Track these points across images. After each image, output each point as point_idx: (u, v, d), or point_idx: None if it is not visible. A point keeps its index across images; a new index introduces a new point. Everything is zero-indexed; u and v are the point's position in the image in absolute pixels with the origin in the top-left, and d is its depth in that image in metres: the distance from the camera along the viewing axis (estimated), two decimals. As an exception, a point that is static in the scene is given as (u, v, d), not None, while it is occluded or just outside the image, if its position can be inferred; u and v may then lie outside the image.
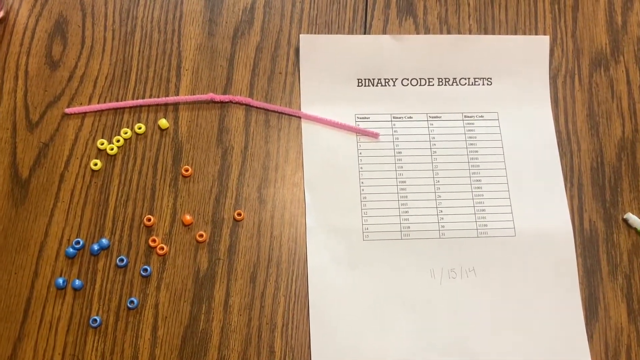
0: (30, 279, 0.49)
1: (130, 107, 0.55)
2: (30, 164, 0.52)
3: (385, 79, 0.57)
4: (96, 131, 0.54)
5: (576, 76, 0.58)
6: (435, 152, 0.55)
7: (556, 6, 0.60)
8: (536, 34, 0.59)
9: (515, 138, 0.55)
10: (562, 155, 0.55)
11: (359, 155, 0.54)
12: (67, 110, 0.54)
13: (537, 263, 0.52)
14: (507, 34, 0.59)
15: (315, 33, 0.58)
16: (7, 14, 0.56)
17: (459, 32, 0.59)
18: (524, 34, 0.59)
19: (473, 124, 0.56)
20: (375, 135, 0.55)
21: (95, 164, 0.52)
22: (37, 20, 0.57)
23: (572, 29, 0.60)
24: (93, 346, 0.48)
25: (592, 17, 0.60)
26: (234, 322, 0.49)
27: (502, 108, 0.56)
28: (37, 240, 0.50)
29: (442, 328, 0.50)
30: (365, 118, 0.56)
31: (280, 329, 0.49)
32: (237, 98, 0.55)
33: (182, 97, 0.55)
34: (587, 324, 0.50)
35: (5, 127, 0.53)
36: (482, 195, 0.54)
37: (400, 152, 0.55)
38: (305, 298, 0.50)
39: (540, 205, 0.53)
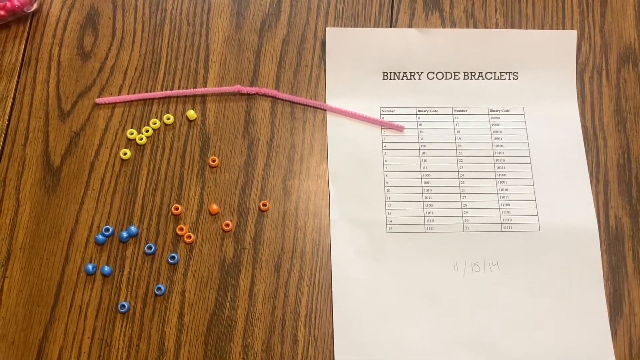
0: (61, 265, 0.50)
1: (159, 98, 0.55)
2: (62, 152, 0.54)
3: (410, 73, 0.57)
4: (126, 121, 0.55)
5: (604, 71, 0.57)
6: (460, 145, 0.55)
7: (584, 1, 0.60)
8: (563, 28, 0.59)
9: (540, 133, 0.55)
10: (588, 150, 0.55)
11: (384, 148, 0.55)
12: (98, 101, 0.55)
13: (561, 258, 0.52)
14: (534, 29, 0.58)
15: (341, 26, 0.58)
16: (40, 6, 0.58)
17: (485, 27, 0.59)
18: (551, 28, 0.59)
19: (498, 118, 0.56)
20: (400, 129, 0.55)
21: (125, 154, 0.53)
22: (69, 12, 0.58)
23: (600, 23, 0.59)
24: (121, 331, 0.49)
25: (620, 12, 0.59)
26: (258, 310, 0.50)
27: (528, 103, 0.56)
28: (68, 227, 0.51)
29: (464, 321, 0.50)
30: (390, 111, 0.56)
31: (303, 318, 0.50)
32: (264, 90, 0.56)
33: (209, 89, 0.56)
34: (611, 321, 0.50)
35: (38, 117, 0.55)
36: (507, 189, 0.54)
37: (424, 146, 0.55)
38: (329, 288, 0.50)
39: (565, 201, 0.53)
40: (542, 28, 0.59)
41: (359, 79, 0.56)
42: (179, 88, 0.56)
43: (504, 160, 0.54)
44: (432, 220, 0.53)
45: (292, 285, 0.51)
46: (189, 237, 0.51)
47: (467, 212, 0.53)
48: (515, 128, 0.55)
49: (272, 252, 0.51)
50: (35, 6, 0.57)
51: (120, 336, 0.49)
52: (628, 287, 0.51)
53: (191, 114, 0.55)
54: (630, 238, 0.53)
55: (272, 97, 0.56)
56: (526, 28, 0.58)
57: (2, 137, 0.54)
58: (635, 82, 0.57)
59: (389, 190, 0.53)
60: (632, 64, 0.58)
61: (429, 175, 0.54)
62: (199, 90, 0.56)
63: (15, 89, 0.55)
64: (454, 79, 0.57)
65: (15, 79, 0.56)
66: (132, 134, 0.54)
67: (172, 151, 0.54)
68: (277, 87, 0.56)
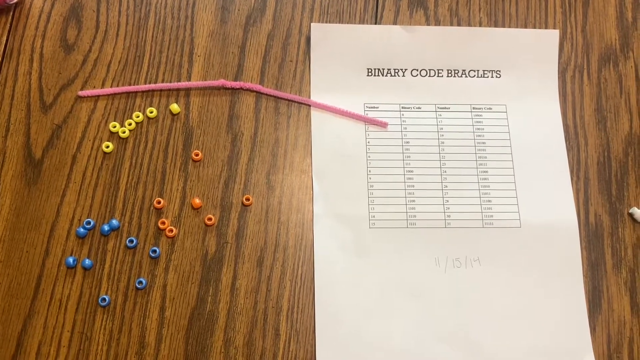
0: (41, 258, 0.50)
1: (143, 92, 0.55)
2: (44, 145, 0.53)
3: (394, 69, 0.57)
4: (109, 114, 0.54)
5: (585, 71, 0.58)
6: (443, 142, 0.55)
7: (567, 1, 0.61)
8: (546, 28, 0.59)
9: (522, 130, 0.56)
10: (569, 148, 0.56)
11: (367, 144, 0.55)
12: (81, 93, 0.55)
13: (541, 255, 0.52)
14: (517, 28, 0.59)
15: (326, 22, 0.58)
16: (23, -3, 0.57)
17: (469, 25, 0.59)
18: (534, 27, 0.59)
19: (481, 115, 0.56)
20: (383, 125, 0.55)
21: (107, 147, 0.53)
22: (52, 4, 0.58)
23: (582, 23, 0.60)
24: (101, 325, 0.49)
25: (602, 13, 0.60)
26: (240, 304, 0.50)
27: (510, 100, 0.57)
28: (49, 220, 0.51)
29: (445, 316, 0.50)
30: (374, 107, 0.56)
31: (285, 312, 0.50)
32: (248, 85, 0.56)
33: (193, 83, 0.56)
34: (590, 317, 0.51)
35: (19, 108, 0.54)
36: (489, 186, 0.54)
37: (408, 142, 0.55)
38: (311, 283, 0.51)
39: (546, 198, 0.54)
40: (525, 27, 0.59)
41: (343, 75, 0.56)
42: (162, 82, 0.56)
43: (486, 157, 0.55)
44: (415, 216, 0.53)
45: (274, 280, 0.51)
46: (171, 230, 0.51)
47: (449, 209, 0.53)
48: (497, 126, 0.56)
49: (254, 246, 0.51)
50: (18, -3, 0.56)
51: (100, 330, 0.49)
52: (607, 284, 0.52)
53: (175, 107, 0.55)
54: (609, 235, 0.53)
55: (256, 91, 0.56)
56: (509, 27, 0.59)
57: (-17, 128, 0.53)
58: (616, 82, 0.58)
59: (372, 186, 0.54)
60: (613, 63, 0.58)
61: (411, 171, 0.54)
62: (183, 84, 0.55)
63: (-3, 81, 0.55)
64: (438, 76, 0.57)
65: (-3, 71, 0.55)
66: (114, 127, 0.54)
67: (155, 145, 0.54)
68: (261, 82, 0.56)
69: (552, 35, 0.58)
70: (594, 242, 0.53)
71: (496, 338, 0.50)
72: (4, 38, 0.56)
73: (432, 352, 0.49)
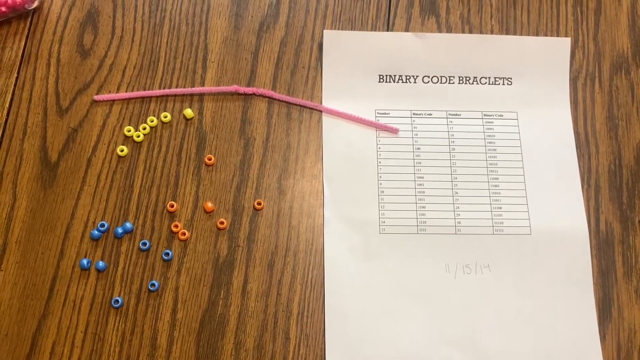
0: (56, 259, 0.51)
1: (157, 97, 0.56)
2: (60, 148, 0.54)
3: (406, 76, 0.57)
4: (123, 118, 0.55)
5: (597, 79, 0.58)
6: (454, 149, 0.55)
7: (578, 9, 0.61)
8: (558, 35, 0.59)
9: (533, 138, 0.56)
10: (580, 156, 0.56)
11: (378, 150, 0.55)
12: (96, 98, 0.56)
13: (551, 262, 0.52)
14: (528, 35, 0.59)
15: (338, 29, 0.59)
16: (41, 3, 0.58)
17: (481, 32, 0.59)
18: (546, 35, 0.59)
19: (492, 122, 0.56)
20: (394, 131, 0.56)
21: (122, 150, 0.54)
22: (69, 10, 0.59)
23: (594, 31, 0.60)
24: (114, 326, 0.49)
25: (614, 21, 0.60)
26: (251, 307, 0.50)
27: (522, 108, 0.57)
28: (64, 222, 0.52)
29: (454, 322, 0.50)
30: (385, 114, 0.56)
31: (295, 316, 0.50)
32: (261, 91, 0.56)
33: (207, 88, 0.56)
34: (600, 325, 0.51)
35: (36, 112, 0.55)
36: (499, 193, 0.54)
37: (419, 149, 0.55)
38: (321, 287, 0.51)
39: (556, 205, 0.54)
40: (537, 35, 0.59)
41: (355, 81, 0.57)
42: (177, 87, 0.56)
43: (496, 164, 0.55)
44: (425, 222, 0.53)
45: (284, 284, 0.51)
46: (184, 234, 0.52)
47: (459, 215, 0.53)
48: (508, 133, 0.56)
49: (265, 250, 0.52)
50: (36, 3, 0.57)
51: (113, 331, 0.49)
52: (617, 292, 0.52)
53: (188, 112, 0.55)
54: (620, 243, 0.53)
55: (268, 97, 0.56)
56: (521, 35, 0.59)
57: (1, 131, 0.54)
58: (627, 90, 0.58)
59: (383, 192, 0.54)
60: (625, 72, 0.58)
61: (422, 177, 0.55)
62: (197, 89, 0.56)
63: (15, 85, 0.56)
64: (449, 83, 0.58)
65: (15, 75, 0.56)
66: (129, 131, 0.55)
67: (168, 149, 0.55)
68: (274, 88, 0.57)
69: (563, 43, 0.58)
70: (605, 249, 0.53)
71: (505, 344, 0.50)
72: (22, 43, 0.57)
73: (440, 357, 0.49)
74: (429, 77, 0.58)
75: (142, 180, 0.53)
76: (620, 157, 0.56)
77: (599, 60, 0.59)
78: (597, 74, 0.58)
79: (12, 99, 0.55)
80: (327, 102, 0.56)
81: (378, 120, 0.56)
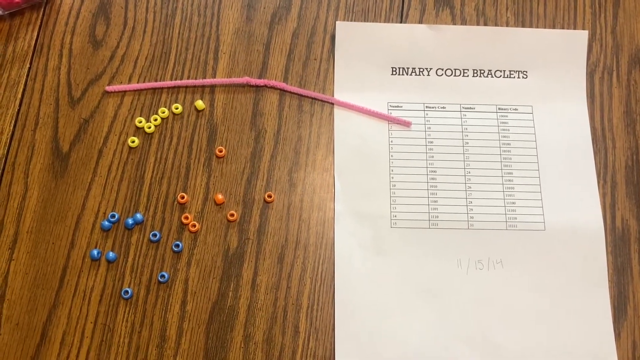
0: (66, 249, 0.51)
1: (169, 88, 0.56)
2: (71, 138, 0.54)
3: (419, 69, 0.57)
4: (135, 109, 0.55)
5: (614, 73, 0.57)
6: (467, 143, 0.55)
7: (596, 1, 0.59)
8: (575, 28, 0.58)
9: (548, 132, 0.55)
10: (596, 151, 0.55)
11: (390, 143, 0.55)
12: (108, 89, 0.55)
13: (566, 258, 0.51)
14: (545, 28, 0.58)
15: (351, 21, 0.58)
16: (54, -6, 0.58)
17: (496, 25, 0.58)
18: (562, 28, 0.58)
19: (507, 116, 0.55)
20: (407, 124, 0.55)
21: (133, 141, 0.54)
22: (82, 1, 0.59)
23: (612, 25, 0.59)
24: (124, 317, 0.49)
25: (633, 14, 0.59)
26: (260, 300, 0.50)
27: (537, 102, 0.56)
28: (75, 213, 0.52)
29: (466, 318, 0.50)
30: (397, 107, 0.56)
31: (305, 309, 0.50)
32: (272, 82, 0.56)
33: (218, 80, 0.56)
34: (615, 322, 0.50)
35: (48, 103, 0.55)
36: (513, 188, 0.53)
37: (431, 142, 0.55)
38: (331, 281, 0.51)
39: (571, 201, 0.53)
40: (553, 27, 0.58)
41: (367, 73, 0.56)
42: (188, 78, 0.56)
43: (510, 158, 0.54)
44: (437, 217, 0.52)
45: (294, 277, 0.51)
46: (194, 225, 0.51)
47: (472, 210, 0.53)
48: (523, 127, 0.55)
49: (275, 243, 0.52)
50: (49, -6, 0.58)
51: (123, 322, 0.49)
52: (633, 289, 0.51)
53: (199, 104, 0.55)
54: (636, 240, 0.52)
55: (280, 89, 0.56)
56: (537, 27, 0.58)
57: (13, 122, 0.55)
58: (646, 84, 0.57)
59: (395, 185, 0.53)
60: (643, 65, 0.57)
61: (435, 171, 0.54)
62: (208, 80, 0.56)
63: (27, 75, 0.56)
64: (463, 76, 0.57)
65: (27, 65, 0.56)
66: (140, 122, 0.55)
67: (179, 140, 0.54)
68: (285, 80, 0.56)
69: (580, 36, 0.57)
70: (621, 246, 0.52)
71: (517, 341, 0.49)
72: (35, 34, 0.57)
73: (450, 353, 0.49)
74: (442, 69, 0.57)
75: (152, 171, 0.53)
76: (637, 153, 0.55)
77: (616, 53, 0.58)
78: (614, 68, 0.57)
79: (24, 90, 0.56)
80: (339, 95, 0.56)
81: (390, 113, 0.55)
